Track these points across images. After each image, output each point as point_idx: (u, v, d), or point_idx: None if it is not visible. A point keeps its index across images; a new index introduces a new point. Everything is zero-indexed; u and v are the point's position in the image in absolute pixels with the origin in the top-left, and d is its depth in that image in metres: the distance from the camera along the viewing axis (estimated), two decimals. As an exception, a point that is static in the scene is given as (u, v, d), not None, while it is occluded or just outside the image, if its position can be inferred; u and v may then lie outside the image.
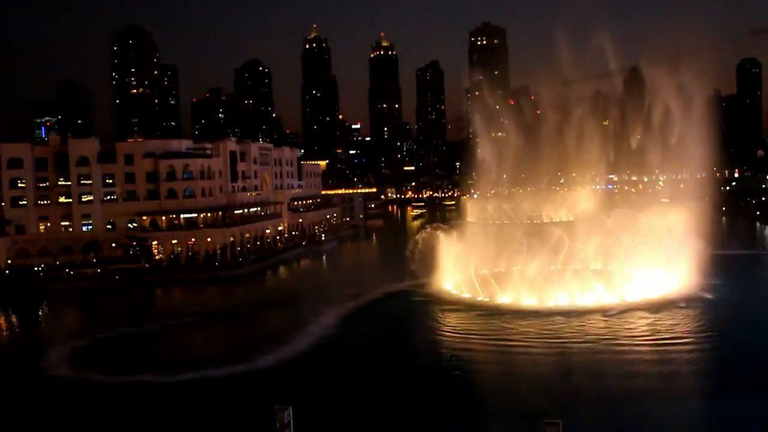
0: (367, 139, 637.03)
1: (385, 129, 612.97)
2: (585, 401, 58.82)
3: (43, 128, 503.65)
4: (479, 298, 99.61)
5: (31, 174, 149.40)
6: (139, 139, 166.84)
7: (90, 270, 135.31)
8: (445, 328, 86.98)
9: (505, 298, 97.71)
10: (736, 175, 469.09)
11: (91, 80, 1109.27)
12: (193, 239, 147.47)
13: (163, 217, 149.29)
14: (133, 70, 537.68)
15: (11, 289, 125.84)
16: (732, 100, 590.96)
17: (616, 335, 79.16)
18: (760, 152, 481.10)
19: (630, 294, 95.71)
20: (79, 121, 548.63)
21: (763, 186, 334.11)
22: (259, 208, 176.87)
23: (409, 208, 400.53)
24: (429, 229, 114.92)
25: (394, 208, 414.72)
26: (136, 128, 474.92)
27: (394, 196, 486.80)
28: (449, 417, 56.77)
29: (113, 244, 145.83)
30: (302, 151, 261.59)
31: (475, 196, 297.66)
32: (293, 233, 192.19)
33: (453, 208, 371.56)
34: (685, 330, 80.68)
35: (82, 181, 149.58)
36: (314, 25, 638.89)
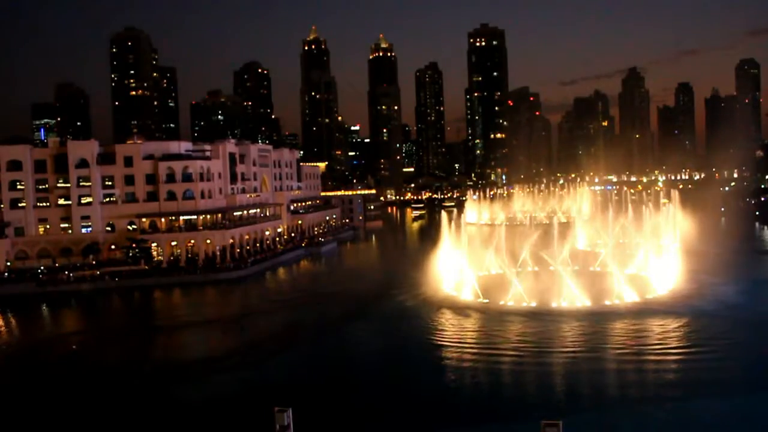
0: (366, 140, 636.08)
1: (384, 130, 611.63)
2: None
3: (42, 130, 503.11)
4: (479, 300, 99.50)
5: (30, 176, 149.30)
6: (139, 141, 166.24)
7: (89, 272, 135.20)
8: (445, 331, 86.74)
9: (505, 300, 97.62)
10: (735, 175, 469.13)
11: (90, 82, 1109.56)
12: (192, 241, 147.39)
13: (163, 219, 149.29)
14: (132, 72, 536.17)
15: (10, 292, 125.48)
16: (731, 100, 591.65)
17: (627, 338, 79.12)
18: (759, 153, 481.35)
19: (630, 295, 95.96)
20: (78, 123, 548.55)
21: (762, 186, 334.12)
22: (258, 210, 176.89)
23: (408, 210, 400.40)
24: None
25: (393, 210, 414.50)
26: (135, 130, 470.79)
27: (394, 198, 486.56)
28: (450, 418, 56.78)
29: (113, 246, 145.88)
30: (301, 152, 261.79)
31: (475, 197, 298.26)
32: (293, 235, 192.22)
33: (452, 209, 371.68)
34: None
35: (81, 183, 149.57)
36: (313, 27, 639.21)
